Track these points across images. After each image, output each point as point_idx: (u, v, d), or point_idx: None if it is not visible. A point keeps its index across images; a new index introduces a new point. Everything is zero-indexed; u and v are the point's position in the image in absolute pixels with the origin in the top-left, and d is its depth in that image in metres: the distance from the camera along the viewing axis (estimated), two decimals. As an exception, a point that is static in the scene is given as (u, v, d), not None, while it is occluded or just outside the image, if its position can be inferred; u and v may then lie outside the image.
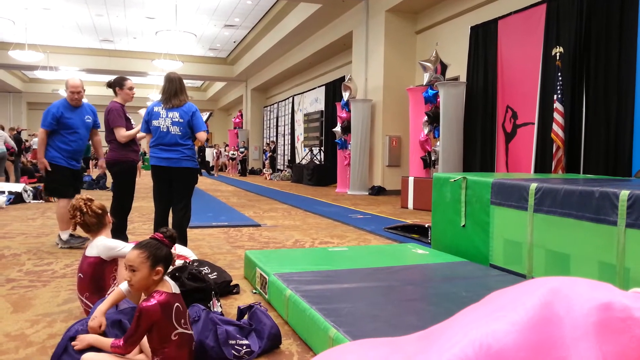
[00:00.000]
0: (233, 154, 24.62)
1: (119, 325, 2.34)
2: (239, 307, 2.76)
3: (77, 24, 19.12)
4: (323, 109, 17.57)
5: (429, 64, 9.82)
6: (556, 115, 7.05)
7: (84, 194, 3.17)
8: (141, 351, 2.23)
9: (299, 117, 20.27)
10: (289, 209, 9.19)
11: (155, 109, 4.52)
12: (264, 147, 25.03)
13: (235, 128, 27.13)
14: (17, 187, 9.75)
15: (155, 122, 4.48)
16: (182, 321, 2.11)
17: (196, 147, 4.78)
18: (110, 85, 5.26)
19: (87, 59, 23.05)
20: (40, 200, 9.75)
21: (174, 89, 4.49)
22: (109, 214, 3.12)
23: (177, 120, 4.45)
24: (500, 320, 1.22)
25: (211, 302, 2.95)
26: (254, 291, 3.65)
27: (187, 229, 4.76)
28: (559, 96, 7.06)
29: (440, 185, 4.62)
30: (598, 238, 3.02)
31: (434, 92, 9.77)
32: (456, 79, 10.21)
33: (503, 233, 3.85)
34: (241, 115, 27.52)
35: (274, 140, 23.91)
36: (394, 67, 12.27)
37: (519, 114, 8.41)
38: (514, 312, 1.22)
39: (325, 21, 15.05)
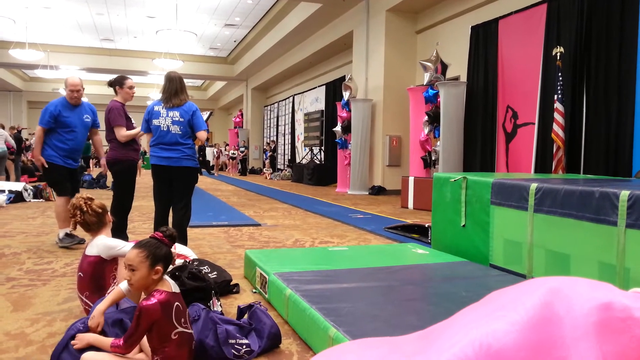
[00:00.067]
0: (233, 154, 24.63)
1: (120, 324, 2.34)
2: (239, 307, 2.76)
3: (78, 23, 19.12)
4: (323, 109, 17.57)
5: (429, 64, 9.82)
6: (556, 116, 7.05)
7: (84, 192, 3.17)
8: (141, 350, 2.23)
9: (299, 117, 20.26)
10: (289, 209, 9.19)
11: (156, 108, 4.52)
12: (264, 147, 25.03)
13: (235, 127, 27.13)
14: (18, 186, 9.75)
15: (155, 121, 4.48)
16: (182, 320, 2.11)
17: (196, 147, 4.77)
18: (111, 84, 5.26)
19: (87, 58, 23.06)
20: (41, 199, 9.75)
21: (174, 88, 4.49)
22: (109, 213, 3.12)
23: (177, 119, 4.44)
24: (500, 320, 1.22)
25: (211, 302, 2.95)
26: (254, 290, 3.65)
27: (187, 228, 4.76)
28: (560, 96, 7.05)
29: (441, 185, 4.62)
30: (598, 238, 3.02)
31: (435, 91, 9.77)
32: (456, 78, 10.20)
33: (503, 233, 3.85)
34: (241, 114, 27.52)
35: (274, 139, 23.91)
36: (395, 67, 12.27)
37: (520, 114, 8.41)
38: (514, 312, 1.22)
39: (326, 21, 15.04)
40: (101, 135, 5.61)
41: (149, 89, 30.10)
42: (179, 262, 3.46)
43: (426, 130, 10.16)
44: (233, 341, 2.41)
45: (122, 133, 4.96)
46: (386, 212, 8.75)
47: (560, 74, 7.09)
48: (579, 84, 7.29)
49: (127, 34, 20.61)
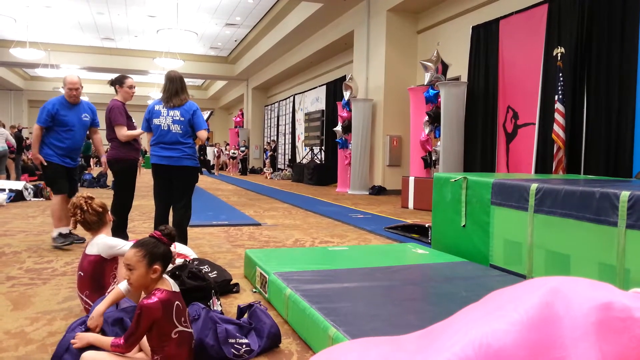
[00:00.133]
0: (234, 153, 24.62)
1: (120, 323, 2.34)
2: (238, 306, 2.76)
3: (79, 22, 19.12)
4: (324, 108, 17.57)
5: (430, 64, 9.82)
6: (557, 116, 7.05)
7: (85, 191, 3.17)
8: (140, 349, 2.23)
9: (300, 116, 20.27)
10: (289, 208, 9.19)
11: (156, 107, 4.51)
12: (265, 146, 25.04)
13: (236, 127, 27.14)
14: (18, 185, 9.76)
15: (156, 121, 4.48)
16: (182, 319, 2.11)
17: (197, 146, 4.76)
18: (112, 83, 5.27)
19: (88, 57, 23.06)
20: (41, 198, 9.75)
21: (174, 88, 4.48)
22: (109, 212, 3.12)
23: (178, 118, 4.44)
24: (500, 320, 1.22)
25: (211, 301, 2.95)
26: (254, 290, 3.65)
27: (188, 228, 4.76)
28: (560, 96, 7.05)
29: (441, 185, 4.62)
30: (598, 239, 3.02)
31: (435, 92, 9.77)
32: (457, 79, 10.20)
33: (503, 233, 3.85)
34: (242, 114, 27.53)
35: (275, 139, 23.92)
36: (395, 67, 12.27)
37: (520, 114, 8.41)
38: (514, 312, 1.22)
39: (327, 20, 15.04)
40: (101, 134, 5.60)
41: (149, 88, 30.10)
42: (179, 261, 3.46)
43: (427, 131, 10.16)
44: (233, 340, 2.42)
45: (123, 132, 4.95)
46: (386, 212, 8.75)
47: (561, 75, 7.09)
48: (579, 85, 7.29)
49: (128, 33, 20.61)
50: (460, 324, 1.31)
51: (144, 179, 8.91)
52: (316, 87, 18.60)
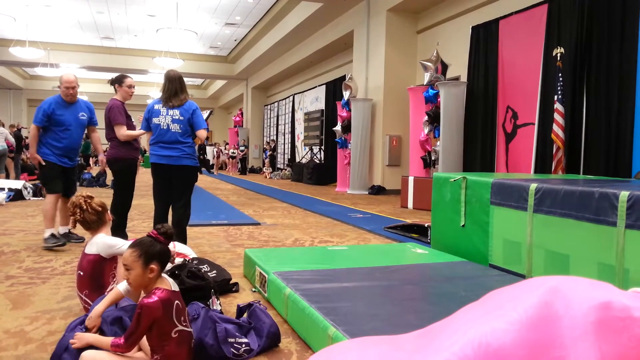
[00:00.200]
0: (233, 153, 24.61)
1: (119, 322, 2.33)
2: (238, 306, 2.76)
3: (78, 21, 19.11)
4: (323, 108, 17.57)
5: (429, 64, 9.83)
6: (556, 116, 7.05)
7: (84, 191, 3.17)
8: (140, 349, 2.23)
9: (299, 116, 20.26)
10: (288, 208, 9.19)
11: (156, 106, 4.51)
12: (264, 146, 25.03)
13: (235, 126, 27.14)
14: (17, 184, 9.75)
15: (155, 120, 4.48)
16: (182, 319, 2.11)
17: (196, 145, 4.76)
18: (112, 83, 5.26)
19: (87, 56, 23.04)
20: (40, 197, 9.75)
21: (173, 88, 4.47)
22: (109, 211, 3.12)
23: (177, 118, 4.44)
24: (499, 319, 1.22)
25: (210, 300, 2.95)
26: (254, 289, 3.65)
27: (187, 227, 4.76)
28: (560, 97, 7.06)
29: (440, 185, 4.62)
30: (597, 239, 3.02)
31: (435, 91, 9.77)
32: (457, 78, 10.20)
33: (503, 233, 3.85)
34: (241, 113, 27.53)
35: (274, 139, 23.91)
36: (395, 67, 12.27)
37: (520, 114, 8.41)
38: (513, 311, 1.22)
39: (326, 20, 15.04)
40: (100, 133, 5.58)
41: (149, 88, 30.09)
42: (178, 260, 3.47)
43: (426, 130, 10.16)
44: (232, 340, 2.42)
45: (122, 132, 4.95)
46: (386, 211, 8.75)
47: (560, 75, 7.09)
48: (579, 85, 7.29)
49: (128, 32, 20.60)
50: (459, 324, 1.31)
51: (144, 178, 8.92)
52: (316, 87, 18.60)
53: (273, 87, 25.52)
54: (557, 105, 7.05)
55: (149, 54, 22.85)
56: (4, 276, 3.91)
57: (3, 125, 12.92)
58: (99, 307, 2.36)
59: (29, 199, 9.57)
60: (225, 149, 25.99)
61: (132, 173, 5.15)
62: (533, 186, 3.53)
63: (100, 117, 5.38)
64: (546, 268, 3.43)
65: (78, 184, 12.46)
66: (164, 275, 2.22)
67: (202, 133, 4.55)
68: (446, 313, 1.55)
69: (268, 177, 20.48)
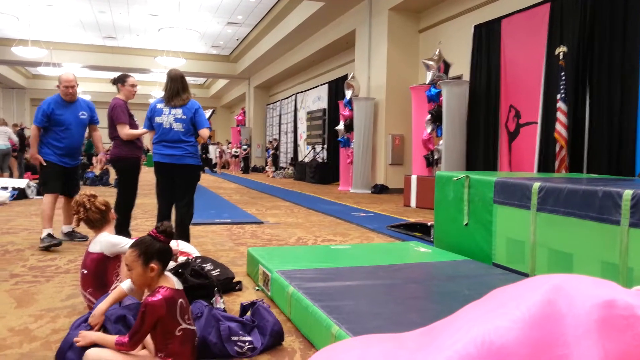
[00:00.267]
0: (236, 152, 24.61)
1: (122, 320, 2.34)
2: (241, 304, 2.76)
3: (81, 21, 19.14)
4: (326, 107, 17.57)
5: (432, 63, 9.82)
6: (559, 115, 7.04)
7: (88, 190, 3.18)
8: (144, 347, 2.23)
9: (302, 115, 20.26)
10: (291, 207, 9.19)
11: (158, 105, 4.52)
12: (267, 145, 25.03)
13: (238, 125, 27.13)
14: (21, 183, 9.77)
15: (158, 119, 4.49)
16: (186, 317, 2.12)
17: (199, 144, 4.76)
18: (114, 82, 5.27)
19: (90, 56, 23.08)
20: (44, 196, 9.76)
21: (175, 88, 4.48)
22: (112, 210, 3.13)
23: (180, 117, 4.45)
24: (503, 317, 1.22)
25: (214, 299, 2.96)
26: (257, 288, 3.66)
27: (190, 226, 4.77)
28: (563, 95, 7.04)
29: (443, 184, 4.62)
30: (601, 237, 3.02)
31: (437, 90, 9.76)
32: (459, 77, 10.19)
33: (506, 232, 3.85)
34: (244, 112, 27.53)
35: (277, 138, 23.91)
36: (397, 66, 12.26)
37: (522, 113, 8.40)
38: (516, 309, 1.22)
39: (328, 19, 15.03)
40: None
41: (151, 87, 30.12)
42: (182, 259, 3.47)
43: (429, 129, 10.15)
44: (236, 338, 2.42)
45: (125, 131, 4.96)
46: (389, 210, 8.75)
47: (563, 73, 7.08)
48: (582, 84, 7.28)
49: (130, 31, 20.63)
50: (462, 322, 1.31)
51: (147, 177, 8.92)
52: (318, 86, 18.59)
53: (275, 86, 25.52)
54: (560, 104, 7.04)
55: (151, 53, 22.87)
56: (8, 274, 3.92)
57: (6, 125, 12.95)
58: (102, 305, 2.37)
59: (33, 198, 9.59)
60: (227, 148, 25.99)
61: (135, 172, 5.16)
62: (536, 185, 3.53)
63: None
64: (549, 267, 3.43)
65: (81, 182, 12.50)
66: (167, 273, 2.23)
67: (204, 132, 4.55)
68: (449, 311, 1.55)
69: (271, 176, 20.49)
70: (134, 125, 5.12)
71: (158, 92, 28.11)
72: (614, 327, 1.15)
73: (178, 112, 4.45)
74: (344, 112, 13.30)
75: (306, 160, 18.53)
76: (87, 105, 5.38)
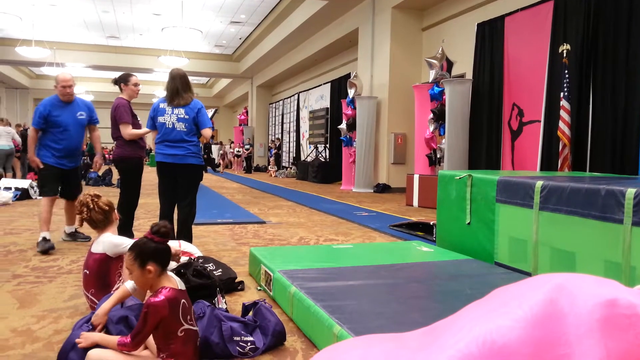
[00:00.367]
0: (238, 151, 24.63)
1: (124, 321, 2.34)
2: (243, 304, 2.76)
3: (84, 21, 19.18)
4: (328, 106, 17.57)
5: (435, 61, 9.80)
6: (562, 113, 7.03)
7: (91, 190, 3.18)
8: (146, 347, 2.23)
9: (304, 114, 20.27)
10: (293, 206, 9.19)
11: (161, 105, 4.52)
12: (269, 144, 25.05)
13: (240, 125, 27.16)
14: (24, 184, 9.80)
15: (160, 119, 4.49)
16: (188, 317, 2.12)
17: (202, 144, 4.76)
18: (115, 82, 5.25)
19: (93, 56, 23.14)
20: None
21: (175, 86, 4.47)
22: (116, 210, 3.13)
23: (182, 116, 4.45)
24: (505, 317, 1.22)
25: (216, 299, 2.96)
26: (259, 288, 3.66)
27: (193, 226, 4.77)
28: (566, 94, 7.03)
29: (446, 183, 4.61)
30: (604, 236, 3.01)
31: (440, 89, 9.75)
32: (462, 76, 10.18)
33: (508, 231, 3.84)
34: (246, 112, 27.55)
35: (279, 137, 23.93)
36: (400, 64, 12.25)
37: (525, 111, 8.38)
38: (518, 309, 1.22)
39: (331, 18, 15.03)
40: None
41: (154, 87, 30.16)
42: (184, 259, 3.47)
43: (431, 128, 10.14)
44: (238, 338, 2.42)
45: (128, 131, 4.95)
46: (391, 209, 8.75)
47: (566, 72, 7.06)
48: (585, 82, 7.26)
49: (133, 31, 20.66)
50: (464, 321, 1.31)
51: (149, 177, 8.95)
52: (321, 85, 18.59)
53: (278, 86, 25.53)
54: (563, 102, 7.03)
55: (154, 52, 22.91)
56: (11, 275, 3.93)
57: (10, 125, 12.98)
58: (106, 304, 2.37)
59: (36, 198, 9.60)
60: (230, 147, 26.01)
61: (138, 172, 5.16)
62: (539, 184, 3.52)
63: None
64: (552, 266, 3.42)
65: (84, 182, 12.52)
66: (170, 273, 2.23)
67: (207, 132, 4.55)
68: (451, 311, 1.55)
69: (273, 175, 20.50)
70: (137, 125, 5.11)
71: (161, 92, 28.13)
72: (616, 326, 1.14)
73: (181, 111, 4.46)
74: (347, 111, 13.29)
75: (309, 159, 18.53)
76: (85, 105, 5.26)
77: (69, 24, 19.57)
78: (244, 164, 24.13)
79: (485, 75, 9.33)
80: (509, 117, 8.73)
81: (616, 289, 1.21)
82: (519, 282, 1.39)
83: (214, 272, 3.43)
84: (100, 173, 13.64)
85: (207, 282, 3.05)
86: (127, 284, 2.42)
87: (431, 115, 10.01)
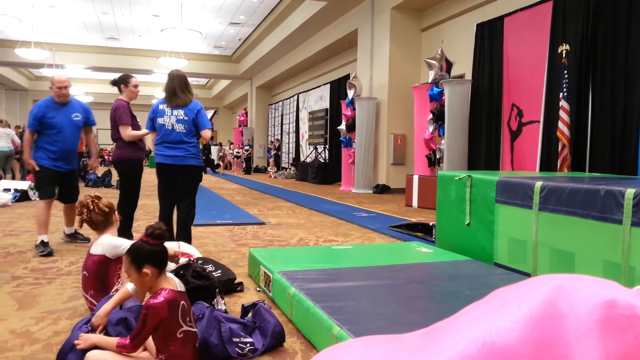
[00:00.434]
0: (238, 152, 24.63)
1: (124, 323, 2.34)
2: (243, 305, 2.76)
3: (83, 22, 19.18)
4: (328, 107, 17.57)
5: (434, 62, 9.80)
6: (562, 114, 7.03)
7: (92, 191, 3.17)
8: (145, 349, 2.23)
9: (304, 115, 20.27)
10: (293, 207, 9.19)
11: (160, 106, 4.52)
12: (269, 145, 25.05)
13: (240, 126, 27.16)
14: (23, 185, 9.79)
15: (160, 120, 4.49)
16: (188, 319, 2.12)
17: (201, 145, 4.76)
18: (114, 83, 5.24)
19: (92, 57, 23.13)
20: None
21: (172, 87, 4.47)
22: (116, 212, 3.13)
23: (181, 118, 4.45)
24: (504, 318, 1.21)
25: (215, 300, 2.95)
26: (258, 289, 3.65)
27: (192, 227, 4.77)
28: (565, 94, 7.03)
29: (445, 184, 4.61)
30: (603, 237, 3.00)
31: (439, 90, 9.75)
32: (461, 76, 10.18)
33: (508, 231, 3.84)
34: (246, 113, 27.56)
35: (279, 138, 23.93)
36: (399, 65, 12.25)
37: (525, 112, 8.38)
38: (518, 310, 1.22)
39: (331, 19, 15.04)
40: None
41: (154, 88, 30.16)
42: (183, 260, 3.47)
43: (431, 129, 10.14)
44: (237, 339, 2.42)
45: (128, 132, 4.95)
46: (390, 210, 8.74)
47: (565, 72, 7.07)
48: (584, 82, 7.26)
49: (132, 32, 20.66)
50: (463, 322, 1.31)
51: (149, 178, 8.94)
52: (320, 86, 18.59)
53: (277, 87, 25.54)
54: (563, 103, 7.03)
55: (153, 54, 22.91)
56: (10, 277, 3.93)
57: (9, 126, 12.97)
58: (107, 305, 2.37)
59: (35, 200, 9.59)
60: (230, 148, 26.00)
61: (137, 173, 5.15)
62: (538, 184, 3.52)
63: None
64: (552, 266, 3.42)
65: (83, 184, 12.51)
66: (169, 274, 2.22)
67: (206, 133, 4.55)
68: (451, 312, 1.55)
69: (273, 176, 20.50)
70: (136, 127, 5.10)
71: (160, 93, 28.14)
72: (615, 327, 1.14)
73: (180, 113, 4.45)
74: (346, 111, 13.29)
75: (308, 160, 18.53)
76: (81, 107, 5.19)
77: (68, 25, 19.57)
78: (244, 165, 24.13)
79: (484, 75, 9.33)
80: (508, 118, 8.74)
81: (615, 289, 1.21)
82: (518, 283, 1.39)
83: (213, 273, 3.42)
84: (99, 174, 13.64)
85: (206, 283, 3.05)
86: (128, 286, 2.42)
87: (430, 115, 10.01)
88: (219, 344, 2.36)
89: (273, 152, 23.02)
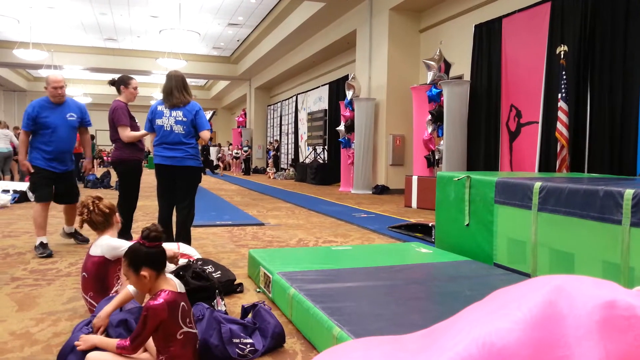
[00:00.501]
0: (237, 153, 24.61)
1: (124, 324, 2.34)
2: (242, 306, 2.76)
3: (82, 23, 19.17)
4: (327, 108, 17.57)
5: (432, 63, 9.81)
6: (560, 114, 7.03)
7: (94, 193, 3.17)
8: (145, 350, 2.23)
9: (303, 116, 20.27)
10: (292, 208, 9.19)
11: (159, 107, 4.52)
12: (268, 146, 25.04)
13: (238, 127, 27.16)
14: (22, 186, 9.78)
15: (158, 121, 4.48)
16: (188, 320, 2.12)
17: (200, 146, 4.75)
18: (114, 83, 5.23)
19: (91, 58, 23.11)
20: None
21: (169, 87, 4.46)
22: (117, 214, 3.13)
23: (180, 119, 4.45)
24: (504, 319, 1.22)
25: (215, 301, 2.95)
26: (258, 290, 3.66)
27: (191, 228, 4.76)
28: (564, 95, 7.04)
29: (444, 184, 4.62)
30: (602, 237, 3.01)
31: (438, 90, 9.76)
32: (460, 77, 10.19)
33: (507, 232, 3.85)
34: (245, 114, 27.55)
35: (278, 139, 23.92)
36: (398, 66, 12.26)
37: (523, 112, 8.39)
38: (518, 310, 1.22)
39: (329, 19, 15.04)
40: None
41: (152, 89, 30.14)
42: (182, 261, 3.47)
43: (429, 129, 10.15)
44: (237, 340, 2.42)
45: (126, 133, 4.95)
46: (390, 211, 8.75)
47: (564, 73, 7.07)
48: (583, 83, 7.27)
49: (131, 33, 20.65)
50: (463, 323, 1.31)
51: (147, 179, 8.93)
52: (319, 87, 18.60)
53: (276, 87, 25.54)
54: (561, 104, 7.04)
55: (152, 55, 22.89)
56: (10, 278, 3.93)
57: (7, 127, 12.96)
58: (108, 307, 2.37)
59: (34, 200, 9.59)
60: (229, 149, 25.99)
61: (136, 174, 5.15)
62: (537, 185, 3.53)
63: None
64: (551, 267, 3.42)
65: (82, 185, 12.49)
66: (169, 276, 2.22)
67: (205, 134, 4.55)
68: (451, 312, 1.55)
69: (272, 177, 20.50)
70: (135, 128, 5.10)
71: (159, 94, 28.14)
72: (615, 328, 1.14)
73: (179, 114, 4.45)
74: (345, 112, 13.30)
75: (307, 161, 18.53)
76: (76, 107, 5.11)
77: (66, 26, 19.55)
78: (243, 166, 24.12)
79: (483, 76, 9.34)
80: (506, 119, 8.74)
81: (615, 290, 1.21)
82: (518, 284, 1.40)
83: (213, 274, 3.42)
84: (98, 175, 13.63)
85: (206, 284, 3.05)
86: (130, 287, 2.42)
87: (429, 116, 10.02)
88: (219, 344, 2.36)
89: (272, 153, 23.02)
